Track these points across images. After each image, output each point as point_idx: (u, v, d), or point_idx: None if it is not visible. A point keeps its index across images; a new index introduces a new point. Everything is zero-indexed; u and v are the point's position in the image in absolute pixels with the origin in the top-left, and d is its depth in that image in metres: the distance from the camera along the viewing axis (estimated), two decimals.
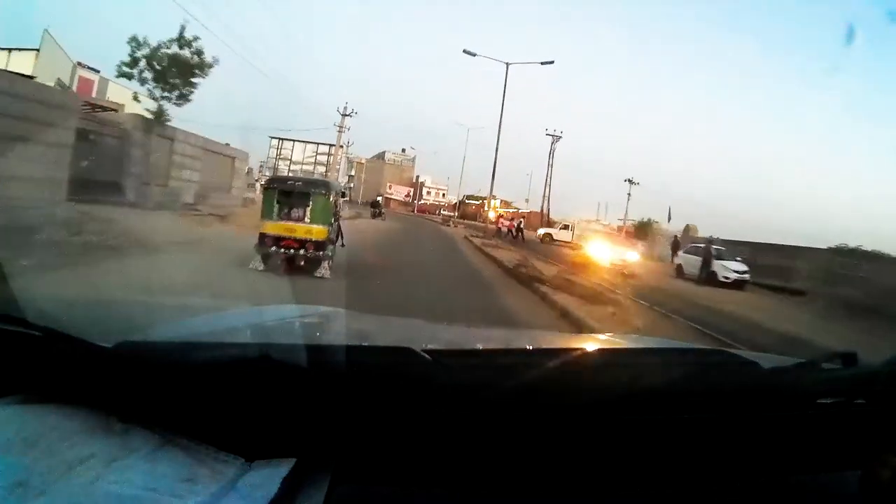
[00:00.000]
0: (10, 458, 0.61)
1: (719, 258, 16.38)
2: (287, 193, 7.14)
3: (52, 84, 13.84)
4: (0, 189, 8.67)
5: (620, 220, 42.99)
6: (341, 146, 35.91)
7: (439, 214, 54.36)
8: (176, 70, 14.70)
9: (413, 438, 0.73)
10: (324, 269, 7.06)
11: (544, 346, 1.30)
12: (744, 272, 16.08)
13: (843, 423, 0.87)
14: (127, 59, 14.31)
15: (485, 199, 59.97)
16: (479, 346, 1.22)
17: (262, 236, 6.97)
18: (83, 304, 1.26)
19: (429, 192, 64.06)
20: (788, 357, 1.12)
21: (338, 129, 32.28)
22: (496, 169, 25.51)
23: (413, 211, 54.18)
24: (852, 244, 16.73)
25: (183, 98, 15.20)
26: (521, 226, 30.72)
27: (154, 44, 14.50)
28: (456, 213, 51.79)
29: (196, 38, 14.83)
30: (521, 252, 15.65)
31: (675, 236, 25.68)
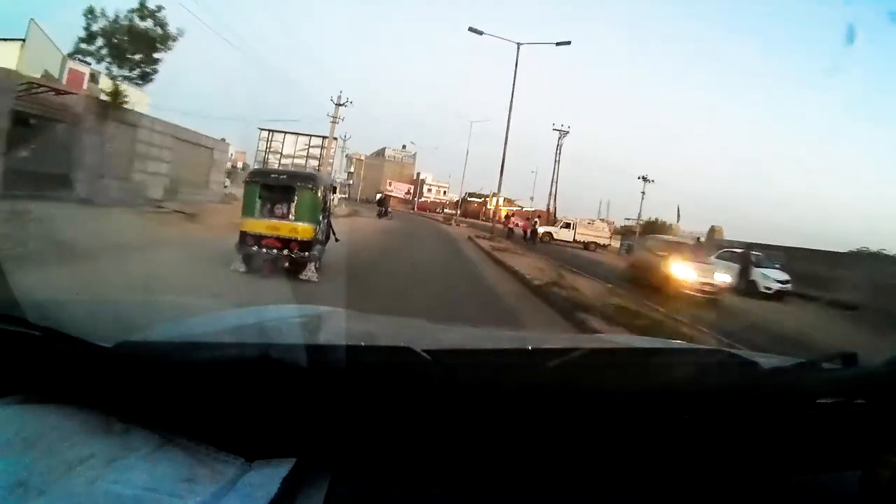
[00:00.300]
0: (10, 458, 0.61)
1: (758, 266, 14.72)
2: (270, 188, 6.47)
3: (38, 76, 12.45)
4: None
5: (628, 219, 41.18)
6: (335, 138, 33.36)
7: (440, 212, 53.52)
8: (136, 44, 12.80)
9: (413, 438, 0.73)
10: (310, 272, 6.40)
11: (544, 346, 1.30)
12: (785, 282, 14.39)
13: (843, 423, 0.87)
14: (85, 35, 12.40)
15: (487, 196, 59.74)
16: (479, 346, 1.21)
17: (243, 235, 6.33)
18: (83, 304, 1.26)
19: (429, 190, 63.53)
20: (788, 357, 1.12)
21: (331, 119, 29.66)
22: (505, 162, 23.01)
23: (413, 209, 53.55)
24: (860, 245, 15.93)
25: (145, 78, 13.49)
26: (537, 226, 28.01)
27: (112, 15, 12.59)
28: (458, 212, 50.35)
29: (160, 9, 13.02)
30: (541, 259, 13.84)
31: (698, 239, 23.55)
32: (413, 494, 0.71)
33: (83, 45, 12.69)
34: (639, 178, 36.87)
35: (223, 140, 20.46)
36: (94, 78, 13.57)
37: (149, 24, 12.86)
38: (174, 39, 13.40)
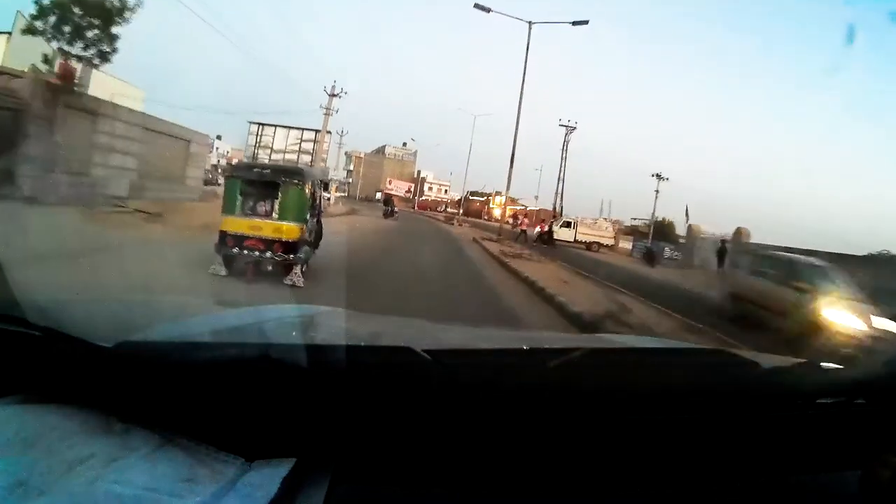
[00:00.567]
0: (10, 458, 0.61)
1: None
2: (252, 183, 5.91)
3: (25, 70, 11.18)
4: None
5: (634, 219, 39.68)
6: (329, 132, 31.19)
7: (442, 211, 52.45)
8: (90, 17, 10.84)
9: (413, 438, 0.73)
10: (295, 277, 5.87)
11: (544, 346, 1.30)
12: None
13: (843, 423, 0.87)
14: (36, 11, 10.48)
15: (490, 195, 59.06)
16: (479, 346, 1.21)
17: (223, 235, 5.78)
18: (83, 304, 1.26)
19: (430, 188, 62.76)
20: (788, 357, 1.12)
21: (324, 111, 26.67)
22: (514, 154, 20.56)
23: (414, 208, 52.94)
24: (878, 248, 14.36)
25: (104, 57, 11.60)
26: (553, 227, 26.14)
27: None
28: (460, 211, 48.79)
29: None
30: (564, 268, 12.05)
31: (723, 241, 21.50)
32: (413, 494, 0.71)
33: (33, 23, 10.80)
34: (652, 175, 35.16)
35: (203, 133, 18.16)
36: (46, 60, 11.43)
37: None
38: (132, 11, 11.41)
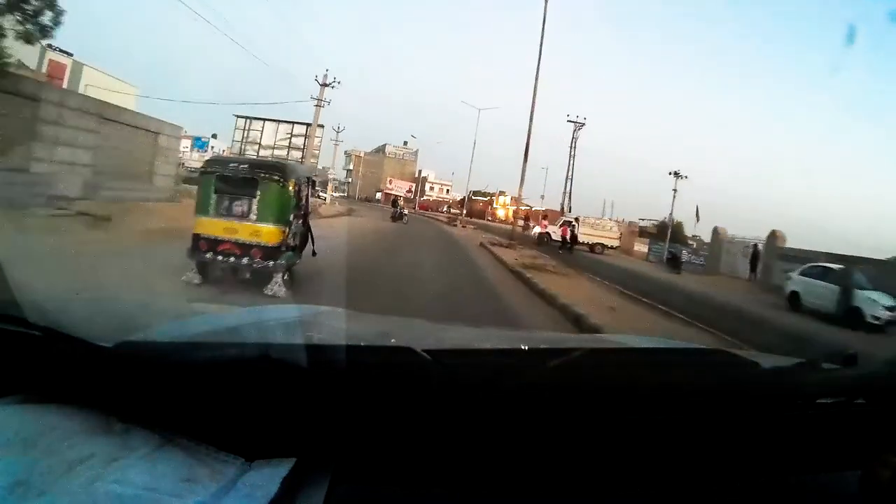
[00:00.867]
0: (10, 458, 0.61)
1: (859, 287, 11.53)
2: (228, 180, 5.29)
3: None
4: None
5: (642, 219, 37.84)
6: (321, 125, 28.59)
7: (445, 212, 51.10)
8: None
9: (413, 438, 0.73)
10: (276, 286, 5.33)
11: (544, 346, 1.30)
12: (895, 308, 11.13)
13: (843, 423, 0.87)
14: None
15: (493, 195, 58.15)
16: (479, 346, 1.22)
17: (196, 238, 5.23)
18: (83, 304, 1.26)
19: (432, 188, 61.95)
20: (788, 357, 1.12)
21: (315, 103, 24.62)
22: (529, 147, 18.40)
23: (415, 208, 51.88)
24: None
25: (45, 32, 9.58)
26: (576, 232, 23.49)
27: None
28: (464, 211, 46.31)
29: None
30: (597, 283, 10.34)
31: (756, 245, 20.23)
32: (413, 494, 0.71)
33: None
34: (670, 173, 32.38)
35: (176, 125, 15.78)
36: None
37: None
38: None
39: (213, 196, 5.28)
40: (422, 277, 8.51)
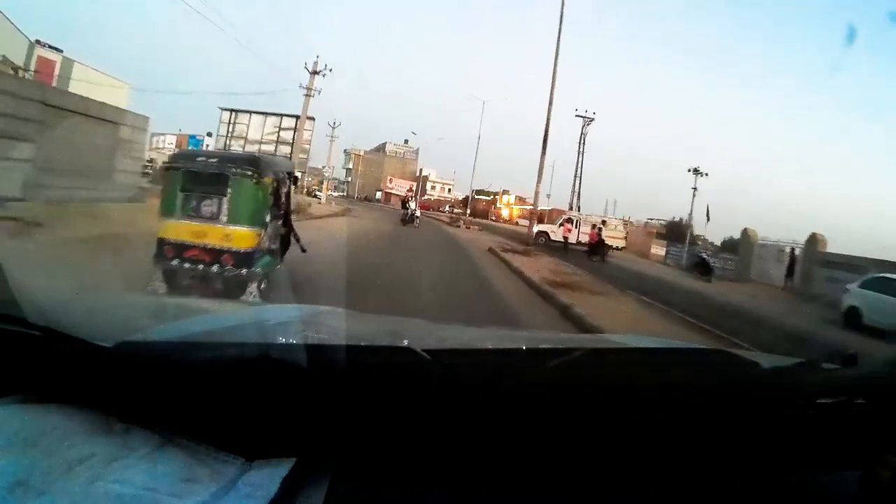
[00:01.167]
0: (10, 458, 0.61)
1: None
2: (196, 176, 4.62)
3: None
4: None
5: (650, 219, 36.02)
6: (311, 118, 26.50)
7: (447, 212, 49.47)
8: None
9: (413, 438, 0.73)
10: (250, 297, 4.70)
11: (544, 346, 1.30)
12: None
13: (843, 423, 0.87)
14: None
15: (497, 194, 57.45)
16: (479, 346, 1.22)
17: (161, 243, 4.58)
18: (83, 304, 1.26)
19: (433, 187, 60.81)
20: (788, 357, 1.12)
21: (305, 91, 22.76)
22: (547, 137, 16.59)
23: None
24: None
25: None
26: (602, 235, 21.34)
27: None
28: (468, 211, 44.36)
29: None
30: (643, 303, 8.54)
31: (793, 249, 18.81)
32: (413, 494, 0.71)
33: None
34: (689, 170, 30.18)
35: (142, 115, 13.68)
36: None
37: None
38: None
39: (179, 195, 4.60)
40: (419, 305, 6.08)
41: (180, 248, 4.54)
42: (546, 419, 0.75)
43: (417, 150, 63.09)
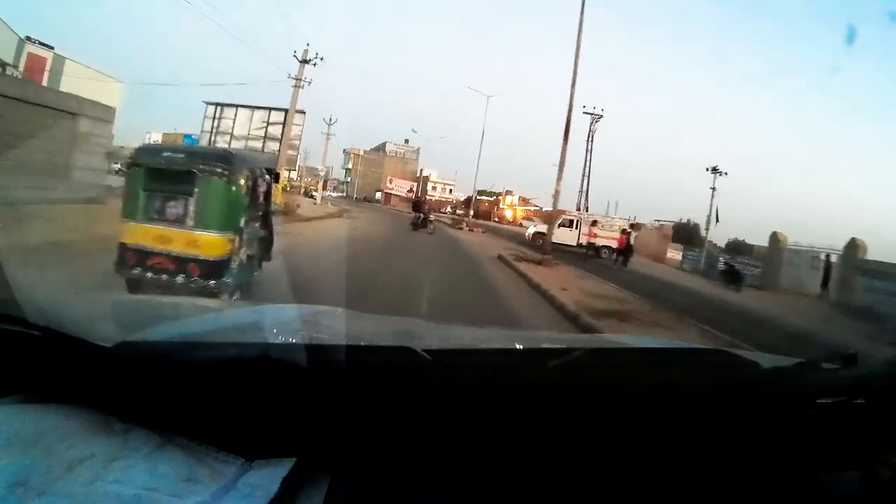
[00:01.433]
0: (10, 458, 0.61)
1: None
2: (161, 174, 4.07)
3: None
4: None
5: (657, 220, 33.67)
6: (302, 112, 24.66)
7: (448, 213, 48.71)
8: None
9: (413, 438, 0.73)
10: None
11: (544, 346, 1.30)
12: None
13: (843, 423, 0.87)
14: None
15: (500, 195, 56.69)
16: (480, 346, 1.22)
17: (123, 249, 4.04)
18: (83, 304, 1.26)
19: (434, 188, 59.61)
20: (788, 357, 1.12)
21: (294, 82, 20.94)
22: (569, 131, 13.37)
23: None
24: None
25: None
26: (632, 242, 19.60)
27: None
28: (471, 212, 41.83)
29: None
30: (700, 330, 6.72)
31: (828, 256, 17.50)
32: (413, 494, 0.71)
33: None
34: (707, 169, 27.69)
35: (107, 106, 12.35)
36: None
37: None
38: None
39: (142, 195, 4.07)
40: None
41: (143, 255, 4.02)
42: (546, 419, 0.75)
43: (418, 149, 62.53)
